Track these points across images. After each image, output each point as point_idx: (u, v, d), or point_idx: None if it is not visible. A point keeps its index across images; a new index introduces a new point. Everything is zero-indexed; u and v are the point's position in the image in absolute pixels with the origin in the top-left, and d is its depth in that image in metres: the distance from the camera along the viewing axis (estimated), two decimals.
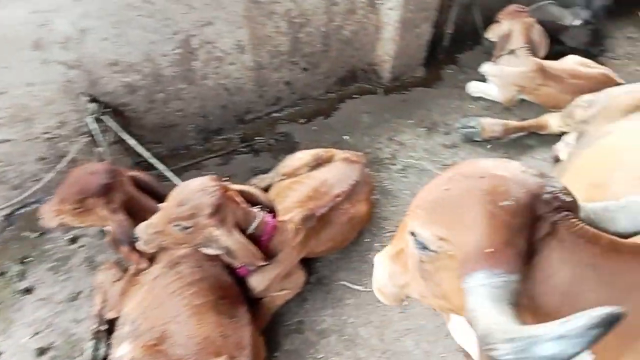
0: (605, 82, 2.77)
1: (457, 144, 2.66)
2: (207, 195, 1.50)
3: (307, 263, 1.95)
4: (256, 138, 2.62)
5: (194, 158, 2.49)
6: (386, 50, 2.94)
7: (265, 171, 2.32)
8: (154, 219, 1.54)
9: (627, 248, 1.05)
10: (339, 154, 2.10)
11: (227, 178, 2.15)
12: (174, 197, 1.53)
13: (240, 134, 2.65)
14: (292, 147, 2.59)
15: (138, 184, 1.76)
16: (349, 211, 1.93)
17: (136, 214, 1.67)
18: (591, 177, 1.82)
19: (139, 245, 1.55)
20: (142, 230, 1.54)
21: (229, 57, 2.39)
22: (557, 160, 2.52)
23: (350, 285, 1.94)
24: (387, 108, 2.89)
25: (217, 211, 1.49)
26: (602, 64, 3.38)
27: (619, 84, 2.78)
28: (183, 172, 2.38)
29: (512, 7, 2.92)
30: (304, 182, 1.95)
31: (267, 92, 2.69)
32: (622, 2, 3.98)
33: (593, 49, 3.36)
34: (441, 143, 2.67)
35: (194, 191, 1.51)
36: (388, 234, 2.14)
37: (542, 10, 3.29)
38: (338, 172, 1.99)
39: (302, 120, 2.76)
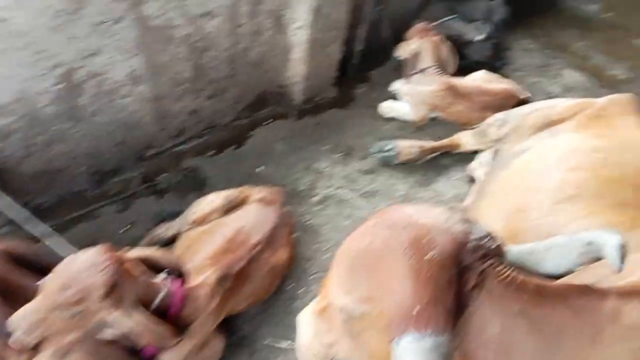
0: (511, 97, 2.85)
1: (375, 169, 2.59)
2: (98, 273, 1.25)
3: (226, 320, 1.75)
4: (159, 176, 2.37)
5: (87, 206, 2.18)
6: (297, 71, 2.81)
7: (172, 215, 2.09)
8: (33, 304, 1.27)
9: (553, 291, 1.04)
10: (254, 194, 1.93)
11: (128, 226, 1.91)
12: (57, 276, 1.27)
13: (140, 172, 2.37)
14: (200, 183, 2.36)
15: (13, 257, 1.47)
16: (270, 260, 1.76)
17: (12, 296, 1.38)
18: (512, 202, 1.80)
19: (17, 337, 1.28)
20: (20, 319, 1.27)
21: (122, 89, 2.12)
22: (472, 180, 2.53)
23: (276, 344, 1.77)
24: (302, 133, 2.75)
25: (112, 291, 1.25)
26: (505, 76, 3.50)
27: (523, 99, 2.87)
28: (75, 225, 2.07)
29: (420, 26, 2.91)
30: (216, 231, 1.76)
31: (169, 124, 2.44)
32: (519, 14, 4.18)
33: (496, 62, 3.46)
34: (359, 169, 2.58)
35: (82, 269, 1.26)
36: (312, 277, 2.00)
37: (446, 26, 3.33)
38: (255, 217, 1.81)
39: (210, 152, 2.54)
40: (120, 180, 2.34)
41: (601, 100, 1.98)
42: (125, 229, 2.13)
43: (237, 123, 2.74)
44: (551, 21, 4.51)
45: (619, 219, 1.46)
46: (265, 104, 2.88)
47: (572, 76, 3.72)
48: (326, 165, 2.57)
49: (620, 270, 1.00)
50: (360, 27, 3.08)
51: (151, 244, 2.02)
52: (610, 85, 3.71)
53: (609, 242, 1.04)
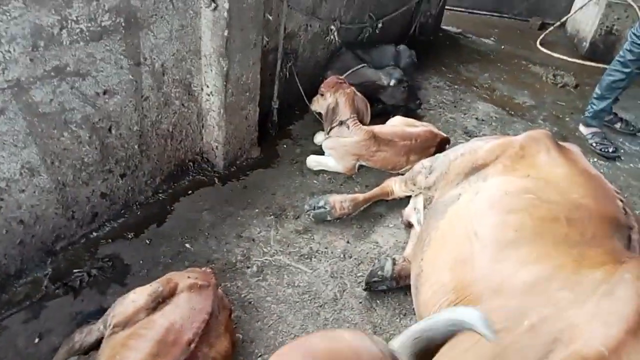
0: (432, 138, 2.89)
1: (310, 227, 2.48)
2: None
3: None
4: (73, 272, 2.10)
5: None
6: (214, 136, 2.68)
7: (93, 315, 1.84)
8: None
9: None
10: (182, 281, 1.73)
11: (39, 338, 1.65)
12: None
13: (50, 271, 2.09)
14: (122, 273, 2.13)
15: None
16: (209, 355, 1.57)
17: None
18: (455, 252, 1.75)
19: None
20: None
21: (16, 184, 1.88)
22: (409, 225, 2.49)
23: None
24: (229, 199, 2.60)
25: None
26: (422, 115, 3.59)
27: (443, 139, 2.93)
28: None
29: (333, 80, 2.92)
30: (143, 334, 1.54)
31: (79, 211, 2.20)
32: (426, 55, 4.37)
33: (411, 104, 3.54)
34: (294, 230, 2.46)
35: None
36: None
37: (358, 74, 3.38)
38: (186, 309, 1.62)
39: (129, 235, 2.31)
40: (27, 283, 2.05)
41: (519, 139, 2.02)
42: (36, 340, 1.84)
43: (156, 198, 2.55)
44: (455, 58, 4.76)
45: (566, 259, 1.44)
46: (186, 174, 2.72)
47: (483, 108, 3.89)
48: (259, 230, 2.43)
49: (493, 339, 1.15)
50: (274, 84, 3.03)
51: (70, 354, 1.75)
52: (518, 113, 3.92)
53: (472, 318, 1.21)
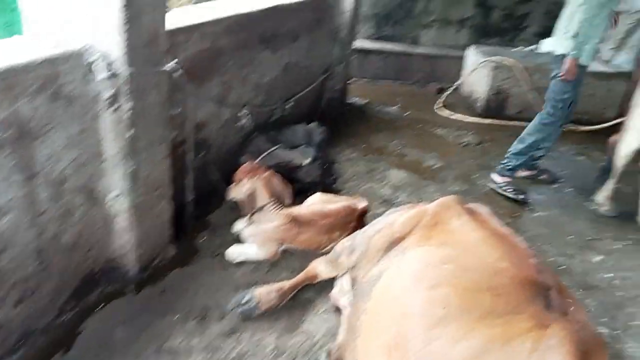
0: (352, 212, 2.90)
1: (237, 327, 2.33)
2: None
3: None
4: None
5: None
6: (125, 241, 2.51)
7: None
8: None
9: None
10: None
11: None
12: None
13: None
14: None
15: None
16: None
17: None
18: (386, 336, 1.69)
19: None
20: None
21: None
22: (339, 309, 2.42)
23: None
24: (145, 309, 2.40)
25: None
26: (339, 189, 3.63)
27: (363, 209, 2.95)
28: None
29: (247, 167, 2.89)
30: None
31: None
32: (337, 129, 4.51)
33: (327, 180, 3.58)
34: (220, 332, 2.30)
35: None
36: None
37: (273, 156, 3.39)
38: None
39: None
40: None
41: (431, 208, 2.06)
42: None
43: (61, 320, 2.29)
44: (365, 129, 4.95)
45: (495, 331, 1.45)
46: (94, 286, 2.49)
47: (396, 175, 4.02)
48: (181, 339, 2.24)
49: None
50: (186, 177, 2.94)
51: None
52: (430, 176, 4.09)
53: None
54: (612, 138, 3.72)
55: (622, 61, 5.93)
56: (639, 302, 2.82)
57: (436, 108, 5.83)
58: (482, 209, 2.27)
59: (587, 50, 3.39)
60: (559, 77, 3.52)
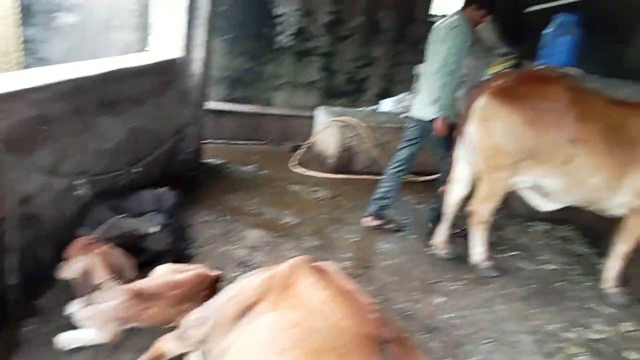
0: (204, 280, 2.79)
1: None
2: None
3: None
4: None
5: None
6: None
7: None
8: None
9: None
10: None
11: None
12: None
13: None
14: None
15: None
16: None
17: None
18: None
19: None
20: None
21: None
22: None
23: None
24: None
25: None
26: (192, 255, 3.49)
27: (216, 277, 2.85)
28: None
29: (81, 242, 2.64)
30: None
31: None
32: (192, 192, 4.38)
33: (179, 246, 3.43)
34: None
35: None
36: None
37: (116, 227, 3.15)
38: None
39: None
40: None
41: (281, 270, 2.06)
42: None
43: None
44: (221, 190, 4.90)
45: None
46: None
47: (253, 235, 4.01)
48: None
49: None
50: (8, 258, 2.59)
51: None
52: (286, 234, 4.15)
53: None
54: (441, 188, 4.15)
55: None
56: (475, 339, 3.09)
57: (291, 166, 6.03)
58: (330, 267, 2.34)
59: (448, 108, 3.89)
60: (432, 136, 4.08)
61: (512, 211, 5.18)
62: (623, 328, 3.42)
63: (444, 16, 4.29)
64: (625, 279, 3.94)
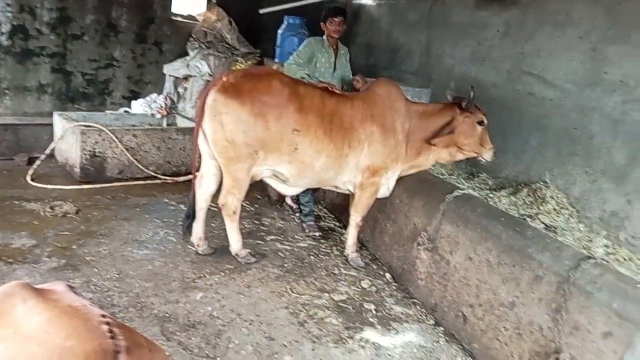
0: None
1: None
2: None
3: None
4: None
5: None
6: None
7: None
8: None
9: None
10: None
11: None
12: None
13: None
14: None
15: None
16: None
17: None
18: None
19: None
20: None
21: None
22: None
23: None
24: None
25: None
26: None
27: None
28: None
29: None
30: None
31: None
32: None
33: None
34: None
35: None
36: None
37: None
38: None
39: None
40: None
41: None
42: None
43: None
44: None
45: None
46: None
47: None
48: None
49: None
50: None
51: None
52: (19, 258, 3.62)
53: None
54: (193, 185, 4.15)
55: None
56: (234, 324, 3.21)
57: (28, 180, 5.26)
58: (59, 286, 2.12)
59: None
60: None
61: (269, 197, 5.55)
62: (362, 286, 4.00)
63: (189, 16, 4.28)
64: (361, 244, 4.61)
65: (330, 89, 3.95)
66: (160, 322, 3.11)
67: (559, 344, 2.67)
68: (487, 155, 4.01)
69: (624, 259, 3.41)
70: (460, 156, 4.11)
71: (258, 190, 5.37)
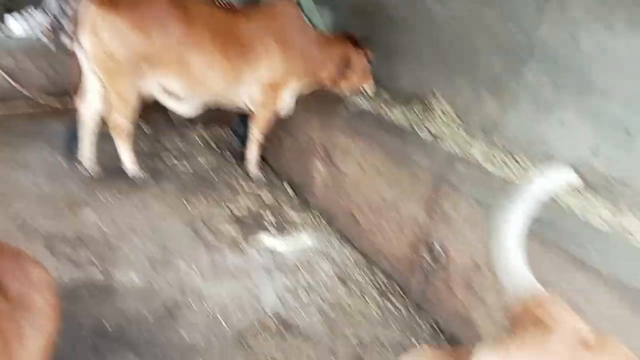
0: None
1: None
2: None
3: None
4: None
5: None
6: None
7: None
8: None
9: None
10: None
11: None
12: None
13: None
14: None
15: None
16: None
17: None
18: None
19: None
20: None
21: None
22: None
23: None
24: None
25: None
26: None
27: None
28: None
29: None
30: None
31: None
32: None
33: None
34: None
35: None
36: None
37: None
38: None
39: None
40: None
41: None
42: None
43: None
44: None
45: None
46: None
47: None
48: None
49: None
50: None
51: None
52: None
53: None
54: (76, 104, 3.87)
55: None
56: (128, 239, 3.19)
57: None
58: None
59: None
60: None
61: (171, 118, 5.33)
62: (262, 199, 4.08)
63: None
64: (262, 159, 4.65)
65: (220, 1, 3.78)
66: (46, 239, 3.01)
67: (432, 234, 2.95)
68: (369, 89, 4.20)
69: (499, 161, 3.74)
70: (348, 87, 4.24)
71: (160, 111, 5.15)
